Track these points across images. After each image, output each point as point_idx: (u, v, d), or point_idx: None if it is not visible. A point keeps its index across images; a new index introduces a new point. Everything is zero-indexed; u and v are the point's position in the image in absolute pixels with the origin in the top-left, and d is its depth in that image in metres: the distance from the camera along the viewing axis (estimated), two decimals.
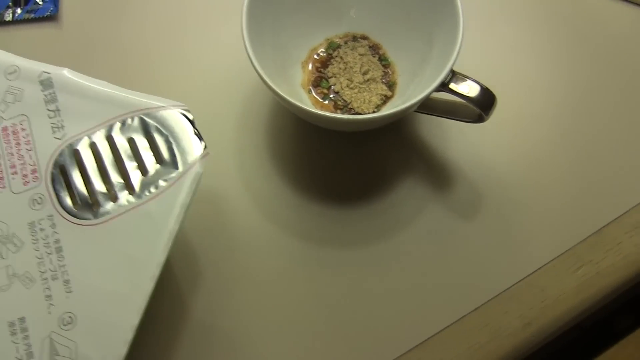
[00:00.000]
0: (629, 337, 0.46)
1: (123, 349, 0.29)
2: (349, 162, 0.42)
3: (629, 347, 0.45)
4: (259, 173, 0.42)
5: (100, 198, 0.30)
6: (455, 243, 0.40)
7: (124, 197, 0.30)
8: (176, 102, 0.31)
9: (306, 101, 0.40)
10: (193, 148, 0.31)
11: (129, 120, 0.31)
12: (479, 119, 0.36)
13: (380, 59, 0.42)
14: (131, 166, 0.31)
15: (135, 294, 0.29)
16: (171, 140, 0.31)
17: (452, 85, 0.35)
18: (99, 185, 0.30)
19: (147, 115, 0.31)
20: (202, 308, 0.38)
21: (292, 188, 0.41)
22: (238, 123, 0.43)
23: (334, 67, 0.42)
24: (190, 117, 0.31)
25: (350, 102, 0.41)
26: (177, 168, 0.30)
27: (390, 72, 0.42)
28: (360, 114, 0.40)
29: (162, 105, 0.31)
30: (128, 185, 0.30)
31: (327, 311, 0.38)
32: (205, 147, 0.31)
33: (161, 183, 0.30)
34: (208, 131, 0.41)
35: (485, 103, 0.35)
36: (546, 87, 0.45)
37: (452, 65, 0.35)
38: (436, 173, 0.41)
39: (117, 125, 0.31)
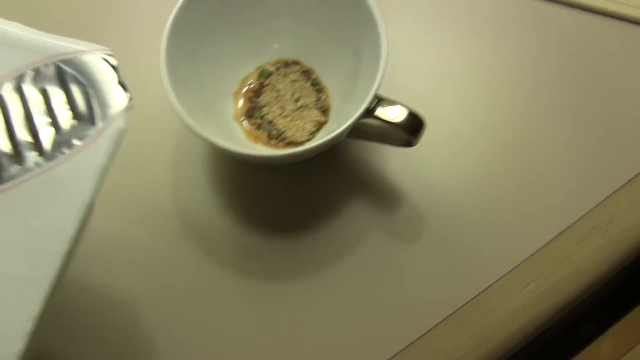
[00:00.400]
0: (590, 347, 0.45)
1: (19, 344, 0.24)
2: (288, 190, 0.41)
3: (591, 357, 0.45)
4: (195, 206, 0.41)
5: (5, 161, 0.26)
6: (399, 268, 0.39)
7: (32, 158, 0.26)
8: (98, 46, 0.27)
9: (238, 133, 0.40)
10: (115, 100, 0.26)
11: (43, 69, 0.27)
12: (408, 143, 0.35)
13: (313, 84, 0.41)
14: (43, 122, 0.26)
15: (38, 277, 0.24)
16: (90, 90, 0.26)
17: (378, 112, 0.34)
18: (4, 146, 0.26)
19: (64, 62, 0.27)
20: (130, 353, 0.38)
21: (230, 220, 0.40)
22: (172, 156, 0.42)
23: (266, 96, 0.41)
24: (114, 62, 0.27)
25: (284, 131, 0.40)
26: (95, 124, 0.26)
27: (323, 97, 0.41)
28: (295, 142, 0.39)
29: (81, 49, 0.27)
30: (37, 145, 0.26)
31: (267, 346, 0.38)
32: (131, 98, 0.26)
33: (76, 142, 0.26)
34: (140, 165, 0.41)
35: (412, 128, 0.34)
36: (484, 102, 0.44)
37: (376, 90, 0.34)
38: (376, 197, 0.41)
39: (30, 74, 0.27)
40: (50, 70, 0.27)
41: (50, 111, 0.26)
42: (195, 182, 0.41)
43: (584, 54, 0.45)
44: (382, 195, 0.41)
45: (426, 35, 0.46)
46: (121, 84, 0.27)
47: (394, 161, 0.41)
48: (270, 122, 0.40)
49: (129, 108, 0.26)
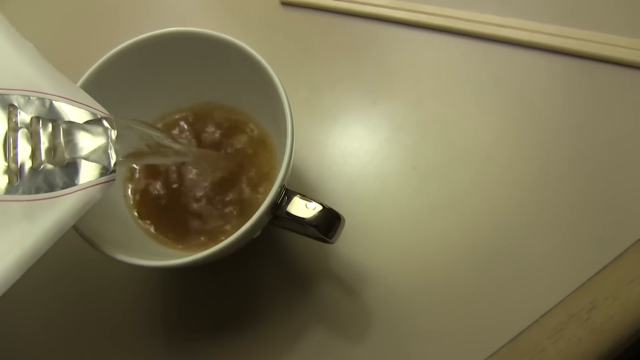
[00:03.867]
0: None
1: None
2: (220, 286, 0.37)
3: None
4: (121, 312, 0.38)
5: None
6: None
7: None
8: (103, 109, 0.26)
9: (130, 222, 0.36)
10: (102, 164, 0.25)
11: (47, 103, 0.25)
12: (325, 240, 0.31)
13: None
14: (23, 148, 0.24)
15: None
16: (81, 144, 0.25)
17: (288, 207, 0.30)
18: None
19: (69, 106, 0.25)
20: None
21: (160, 325, 0.37)
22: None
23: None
24: (114, 134, 0.26)
25: None
26: (74, 179, 0.24)
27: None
28: None
29: (86, 103, 0.25)
30: (10, 170, 0.23)
31: None
32: (114, 170, 0.25)
33: (42, 186, 0.24)
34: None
35: (326, 225, 0.30)
36: (445, 179, 0.38)
37: (282, 183, 0.30)
38: (316, 290, 0.36)
39: (33, 99, 0.25)
40: (54, 105, 0.25)
41: (35, 140, 0.24)
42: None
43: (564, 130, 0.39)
44: (321, 286, 0.36)
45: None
46: (113, 153, 0.25)
47: (335, 248, 0.36)
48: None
49: (110, 180, 0.25)
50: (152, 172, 0.37)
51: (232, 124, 0.38)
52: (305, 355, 0.35)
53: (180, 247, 0.35)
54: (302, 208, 0.30)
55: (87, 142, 0.25)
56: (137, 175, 0.37)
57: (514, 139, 0.39)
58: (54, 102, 0.25)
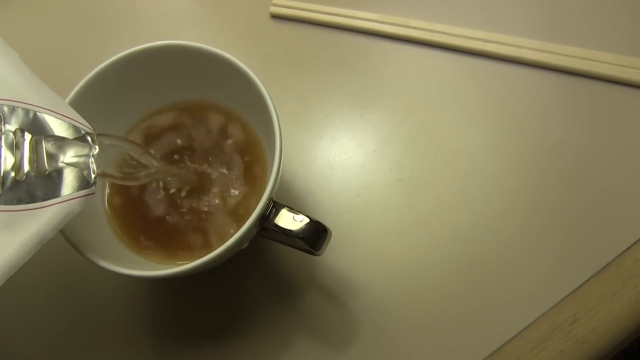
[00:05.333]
0: None
1: None
2: (207, 294, 0.38)
3: None
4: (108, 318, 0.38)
5: None
6: None
7: None
8: (87, 124, 0.27)
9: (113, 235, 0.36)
10: (83, 178, 0.25)
11: (31, 114, 0.25)
12: (311, 252, 0.31)
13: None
14: (6, 159, 0.24)
15: None
16: (63, 157, 0.25)
17: (275, 219, 0.31)
18: None
19: (52, 118, 0.25)
20: None
21: (149, 332, 0.37)
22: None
23: None
24: (96, 149, 0.26)
25: None
26: (55, 192, 0.24)
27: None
28: None
29: (73, 118, 0.26)
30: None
31: None
32: (95, 184, 0.26)
33: (24, 197, 0.24)
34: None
35: (312, 238, 0.31)
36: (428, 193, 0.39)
37: (269, 196, 0.30)
38: (303, 300, 0.37)
39: (17, 109, 0.25)
40: (42, 118, 0.25)
41: (19, 151, 0.24)
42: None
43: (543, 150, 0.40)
44: (308, 296, 0.36)
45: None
46: (94, 166, 0.25)
47: (322, 258, 0.37)
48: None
49: (90, 193, 0.25)
50: (136, 187, 0.37)
51: (222, 131, 0.38)
52: None
53: (168, 258, 0.35)
54: (289, 220, 0.30)
55: (69, 155, 0.25)
56: (119, 190, 0.37)
57: (498, 151, 0.40)
58: (37, 113, 0.25)
